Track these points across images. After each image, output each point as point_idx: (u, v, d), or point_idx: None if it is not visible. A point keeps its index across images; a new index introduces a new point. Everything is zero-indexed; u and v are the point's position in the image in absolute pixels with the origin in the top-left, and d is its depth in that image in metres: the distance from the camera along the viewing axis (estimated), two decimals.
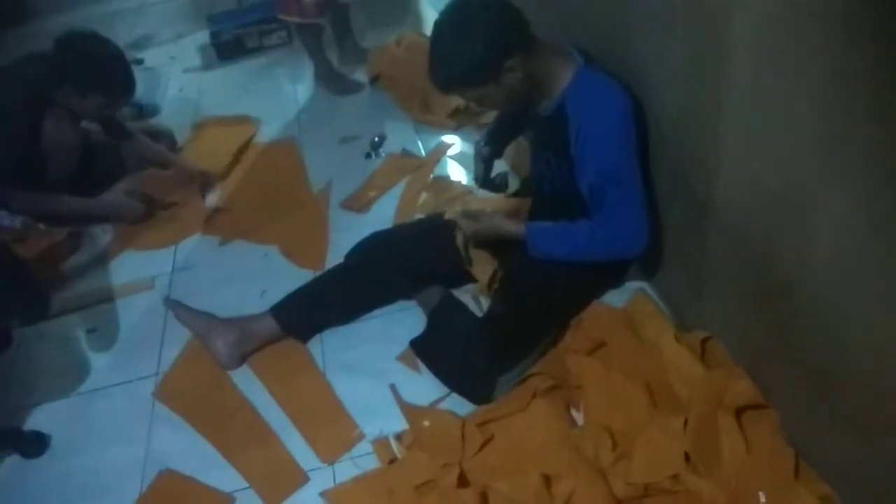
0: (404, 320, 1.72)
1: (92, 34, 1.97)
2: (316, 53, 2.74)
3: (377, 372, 1.61)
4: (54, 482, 1.52)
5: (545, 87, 1.42)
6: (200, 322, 1.69)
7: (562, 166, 1.48)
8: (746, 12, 1.03)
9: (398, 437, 1.47)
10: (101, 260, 2.12)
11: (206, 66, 3.19)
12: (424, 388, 1.55)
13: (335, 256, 1.87)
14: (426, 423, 1.46)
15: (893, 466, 1.04)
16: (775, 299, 1.21)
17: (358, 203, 2.17)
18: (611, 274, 1.67)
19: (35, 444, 1.58)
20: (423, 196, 2.13)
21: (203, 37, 3.31)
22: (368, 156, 2.38)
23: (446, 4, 1.35)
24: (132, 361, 1.76)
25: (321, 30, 2.70)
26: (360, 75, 2.83)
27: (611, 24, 1.50)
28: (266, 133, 2.61)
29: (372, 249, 1.74)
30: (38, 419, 1.66)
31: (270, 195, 2.28)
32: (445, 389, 1.53)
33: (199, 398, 1.63)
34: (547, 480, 1.30)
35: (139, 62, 3.22)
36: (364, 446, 1.47)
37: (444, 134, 2.41)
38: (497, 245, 1.60)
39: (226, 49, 3.16)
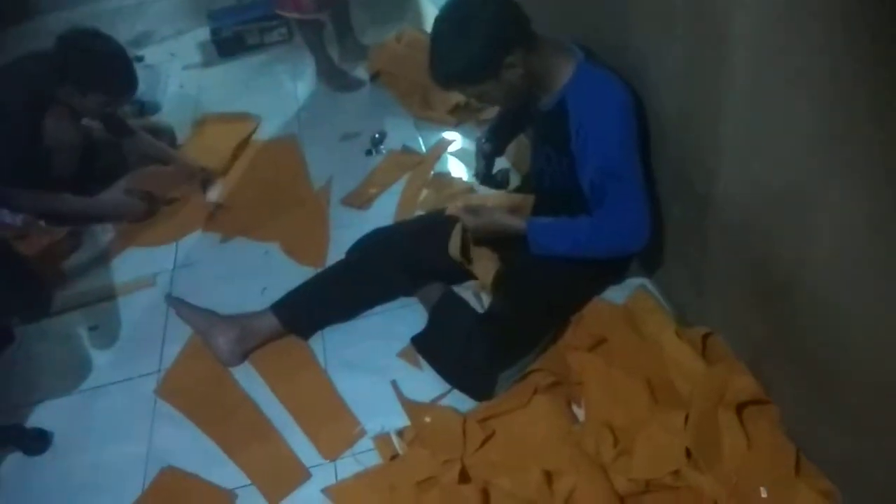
0: (405, 317, 1.72)
1: (94, 32, 1.96)
2: (316, 50, 2.74)
3: (378, 368, 1.62)
4: (56, 479, 1.52)
5: (546, 83, 1.42)
6: (202, 319, 1.69)
7: (562, 162, 1.48)
8: (746, 12, 1.03)
9: (400, 433, 1.47)
10: (103, 257, 2.12)
11: (207, 63, 3.18)
12: (426, 384, 1.56)
13: (336, 253, 1.88)
14: (427, 420, 1.47)
15: (893, 466, 1.05)
16: (775, 298, 1.21)
17: (359, 200, 2.17)
18: (612, 270, 1.67)
19: (37, 442, 1.58)
20: (424, 193, 2.13)
21: (203, 33, 3.30)
22: (369, 152, 2.38)
23: (446, 1, 1.35)
24: (134, 359, 1.77)
25: (322, 26, 2.70)
26: (361, 72, 2.83)
27: (611, 23, 1.50)
28: (266, 130, 2.61)
29: (373, 246, 1.75)
30: (40, 416, 1.66)
31: (271, 192, 2.28)
32: (447, 386, 1.54)
33: (200, 395, 1.63)
34: (548, 476, 1.31)
35: (139, 59, 3.20)
36: (366, 443, 1.48)
37: (444, 130, 2.41)
38: (498, 241, 1.60)
39: (226, 46, 3.16)
